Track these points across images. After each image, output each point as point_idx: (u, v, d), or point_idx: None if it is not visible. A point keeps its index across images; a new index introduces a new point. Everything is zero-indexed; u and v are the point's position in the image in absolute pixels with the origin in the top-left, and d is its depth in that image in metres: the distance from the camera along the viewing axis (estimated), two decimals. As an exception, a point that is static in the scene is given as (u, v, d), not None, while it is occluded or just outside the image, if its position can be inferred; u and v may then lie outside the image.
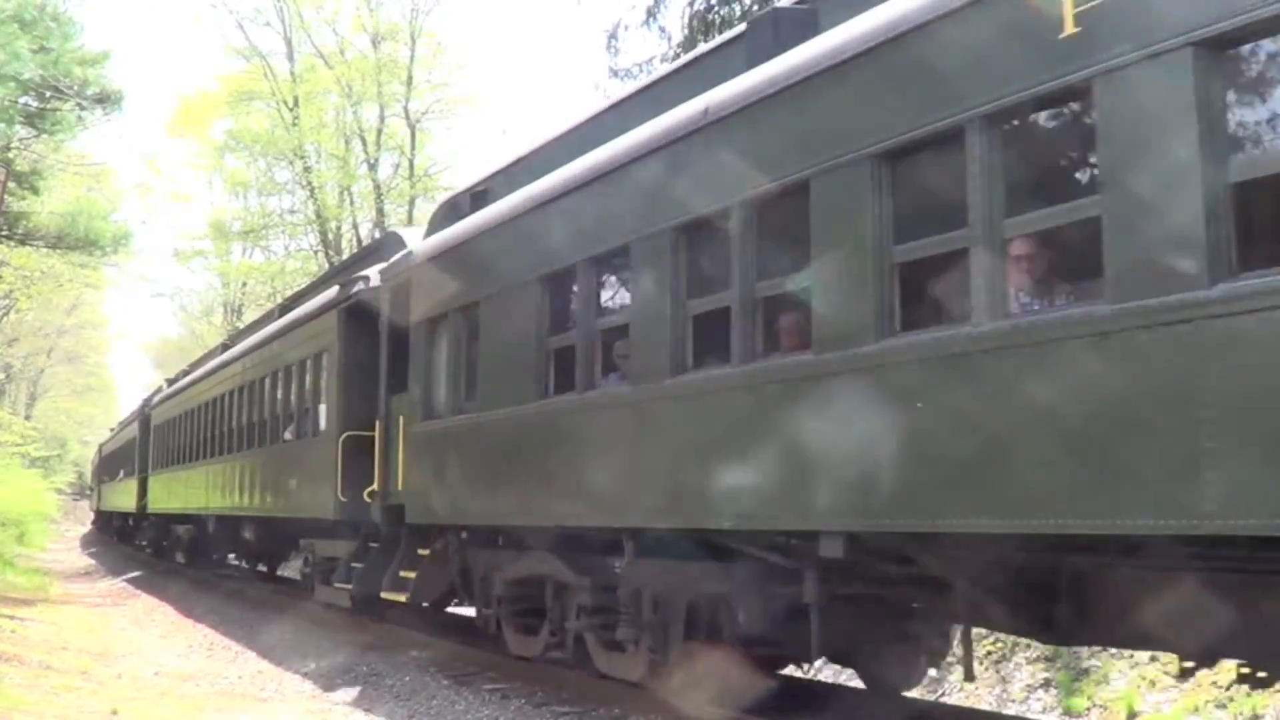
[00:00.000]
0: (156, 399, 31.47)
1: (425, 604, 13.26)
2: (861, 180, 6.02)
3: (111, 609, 20.69)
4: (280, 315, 19.59)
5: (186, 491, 24.50)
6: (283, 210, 43.44)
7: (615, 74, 19.97)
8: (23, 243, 25.91)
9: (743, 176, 6.93)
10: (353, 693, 10.93)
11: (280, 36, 38.99)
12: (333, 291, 15.19)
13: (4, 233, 24.27)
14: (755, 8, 16.53)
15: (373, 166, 37.66)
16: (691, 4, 18.61)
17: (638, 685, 10.19)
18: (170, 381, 31.57)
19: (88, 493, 62.86)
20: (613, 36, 20.02)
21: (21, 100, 20.88)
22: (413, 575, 11.89)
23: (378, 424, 12.55)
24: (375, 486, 12.50)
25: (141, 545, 34.73)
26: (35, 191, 24.19)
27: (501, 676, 10.95)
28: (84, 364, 70.29)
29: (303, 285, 29.40)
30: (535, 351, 9.18)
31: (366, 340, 13.47)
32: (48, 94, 20.87)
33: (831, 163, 6.24)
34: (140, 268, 64.98)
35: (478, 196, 11.16)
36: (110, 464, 42.01)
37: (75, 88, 21.15)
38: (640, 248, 7.83)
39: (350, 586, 13.53)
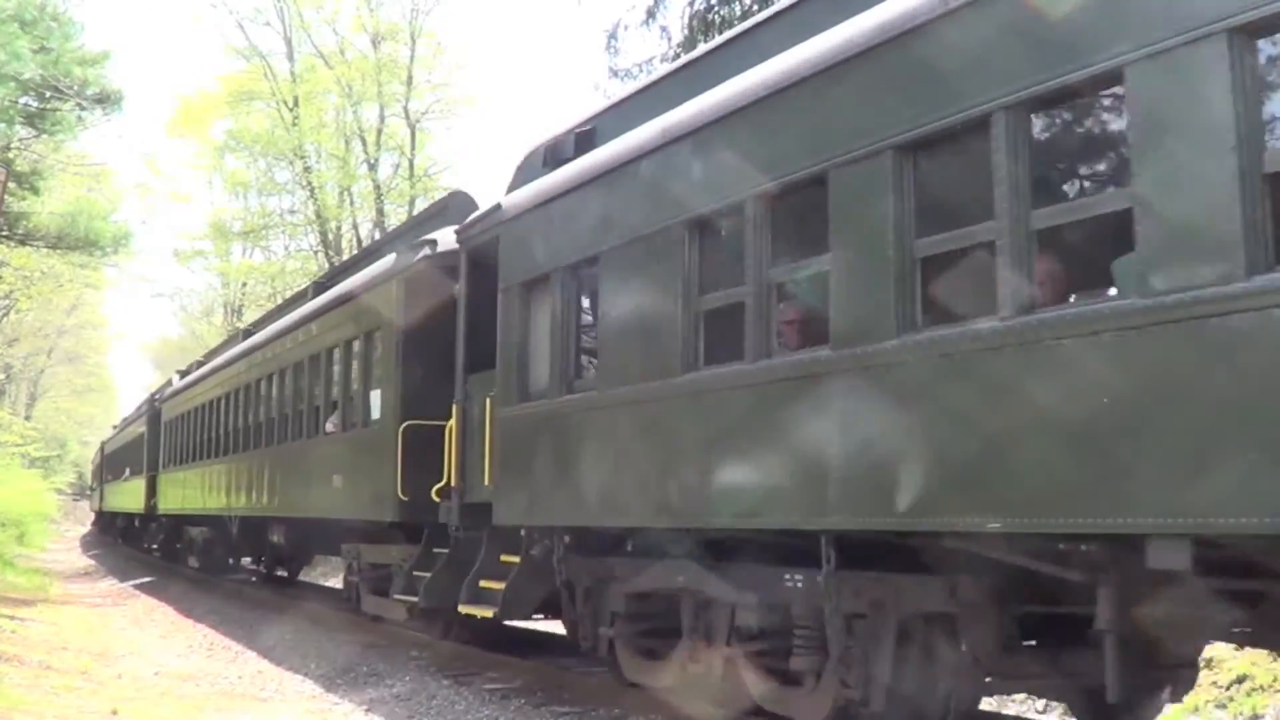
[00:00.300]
0: (168, 392, 29.22)
1: (516, 622, 11.34)
2: (1211, 63, 4.36)
3: (111, 609, 20.45)
4: (315, 294, 17.14)
5: (203, 491, 22.39)
6: (283, 210, 42.65)
7: (615, 74, 19.83)
8: (23, 243, 25.45)
9: (1015, 68, 5.07)
10: (353, 693, 10.67)
11: (280, 36, 38.26)
12: (389, 260, 12.87)
13: (4, 233, 23.84)
14: (755, 7, 16.54)
15: (373, 166, 37.09)
16: (691, 4, 18.52)
17: (635, 686, 9.12)
18: (183, 373, 29.24)
19: (88, 493, 61.43)
20: (613, 36, 19.74)
21: (21, 100, 20.54)
22: (499, 587, 9.91)
23: (455, 409, 10.60)
24: (451, 482, 10.59)
25: (149, 548, 32.96)
26: (35, 191, 23.79)
27: (501, 677, 10.79)
28: (84, 364, 69.50)
29: (302, 285, 29.30)
30: (681, 314, 7.27)
31: (433, 314, 11.54)
32: (48, 94, 20.59)
33: (1159, 46, 4.53)
34: (140, 268, 64.38)
35: (584, 138, 9.30)
36: (114, 462, 40.07)
37: (75, 88, 20.87)
38: (845, 176, 5.99)
39: (416, 599, 11.50)
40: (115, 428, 46.10)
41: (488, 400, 10.00)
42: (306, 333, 15.99)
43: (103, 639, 15.48)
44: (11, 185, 21.85)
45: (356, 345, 13.66)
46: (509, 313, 9.69)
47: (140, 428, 32.66)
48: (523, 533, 9.75)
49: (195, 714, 9.87)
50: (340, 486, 13.77)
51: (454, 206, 12.62)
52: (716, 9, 18.03)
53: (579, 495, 8.50)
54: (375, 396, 12.86)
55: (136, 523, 35.05)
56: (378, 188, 36.43)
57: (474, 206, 11.43)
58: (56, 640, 14.55)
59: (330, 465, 14.27)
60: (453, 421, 10.67)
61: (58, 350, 61.93)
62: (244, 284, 48.29)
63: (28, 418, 59.59)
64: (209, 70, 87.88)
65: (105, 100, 22.00)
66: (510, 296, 9.70)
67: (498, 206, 10.10)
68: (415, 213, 29.70)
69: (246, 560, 23.74)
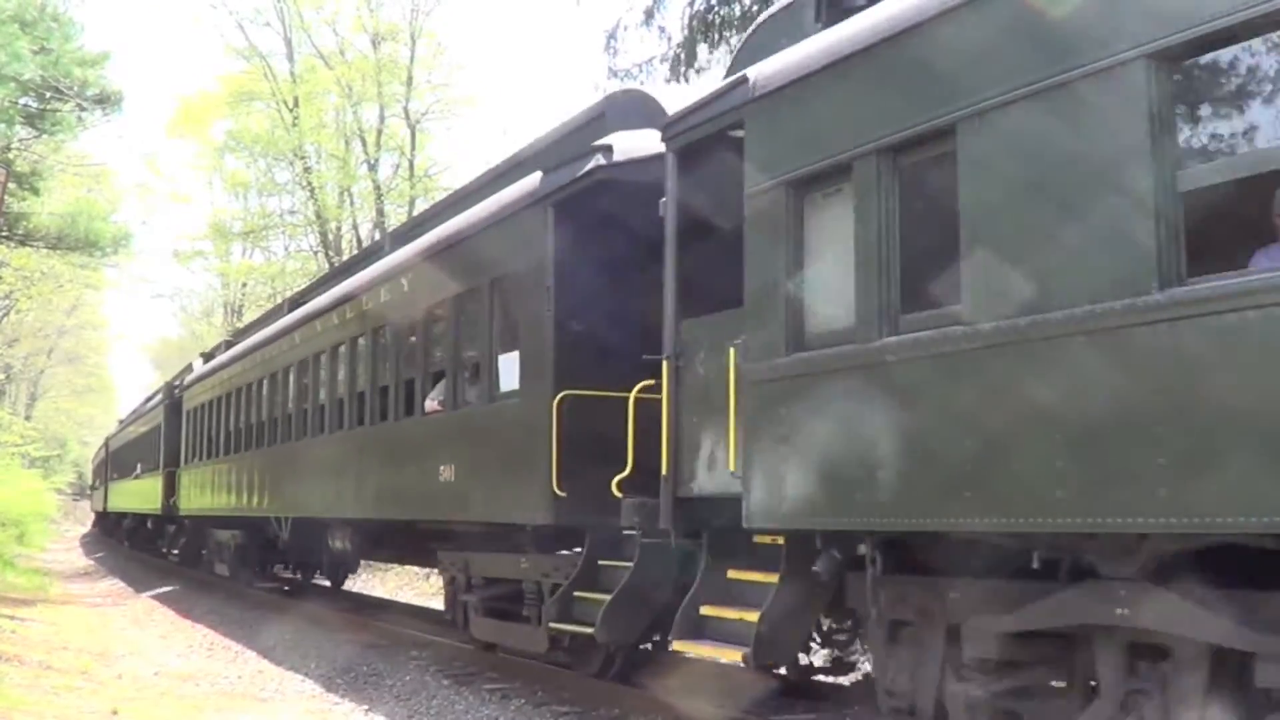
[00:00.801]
0: (189, 379, 25.87)
1: (781, 670, 8.68)
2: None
3: (111, 609, 20.48)
4: (394, 247, 14.09)
5: (238, 489, 19.33)
6: (283, 211, 42.76)
7: (615, 74, 19.92)
8: (23, 243, 25.53)
9: None
10: (353, 693, 10.68)
11: (280, 37, 38.19)
12: (531, 182, 9.79)
13: (4, 233, 23.89)
14: (755, 8, 16.54)
15: (373, 167, 37.04)
16: (691, 4, 18.58)
17: (636, 686, 9.04)
18: (207, 356, 26.02)
19: (89, 492, 60.83)
20: (612, 37, 19.74)
21: (22, 101, 20.63)
22: (745, 617, 7.07)
23: (665, 366, 7.82)
24: (662, 469, 7.74)
25: (167, 553, 30.15)
26: (35, 192, 23.80)
27: (502, 677, 10.71)
28: (84, 364, 69.46)
29: (301, 285, 28.97)
30: (1154, 198, 4.68)
31: (600, 246, 9.14)
32: (48, 94, 20.60)
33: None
34: (140, 268, 64.79)
35: None
36: (122, 459, 37.40)
37: (75, 88, 20.89)
38: None
39: (589, 629, 8.77)
40: (122, 421, 43.71)
41: (730, 352, 7.21)
42: (393, 290, 12.92)
43: (103, 639, 15.49)
44: (11, 185, 21.86)
45: (476, 297, 10.79)
46: (766, 226, 6.93)
47: (156, 419, 29.25)
48: (779, 541, 7.13)
49: (195, 714, 9.85)
50: (452, 480, 10.93)
51: (614, 113, 9.86)
52: (716, 9, 18.03)
53: (932, 484, 5.77)
54: (508, 362, 10.16)
55: (150, 524, 32.17)
56: (378, 188, 36.42)
57: (653, 108, 8.84)
58: (56, 640, 14.56)
59: (434, 454, 11.33)
60: (665, 385, 7.91)
61: (58, 350, 61.94)
62: (244, 284, 48.36)
63: (28, 418, 59.62)
64: (209, 70, 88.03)
65: (105, 101, 22.03)
66: (768, 203, 6.94)
67: (742, 80, 7.29)
68: (412, 214, 29.11)
69: (278, 568, 21.32)
